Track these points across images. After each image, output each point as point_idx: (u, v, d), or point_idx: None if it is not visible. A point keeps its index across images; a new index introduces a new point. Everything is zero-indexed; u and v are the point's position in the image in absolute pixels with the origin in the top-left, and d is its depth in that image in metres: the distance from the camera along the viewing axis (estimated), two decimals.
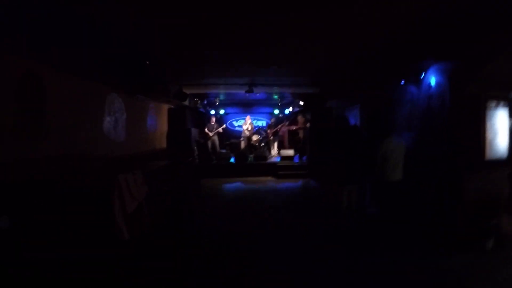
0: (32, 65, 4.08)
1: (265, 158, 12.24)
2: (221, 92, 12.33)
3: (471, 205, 4.57)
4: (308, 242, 4.88)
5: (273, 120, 14.50)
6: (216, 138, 12.99)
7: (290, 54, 6.50)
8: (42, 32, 3.87)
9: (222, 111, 14.45)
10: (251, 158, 12.35)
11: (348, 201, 5.51)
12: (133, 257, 4.11)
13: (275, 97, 12.00)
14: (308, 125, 12.25)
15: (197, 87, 10.34)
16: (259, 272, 3.85)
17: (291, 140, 14.12)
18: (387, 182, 5.01)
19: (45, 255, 3.36)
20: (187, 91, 9.79)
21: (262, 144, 13.41)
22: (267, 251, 4.51)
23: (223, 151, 12.93)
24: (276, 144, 13.96)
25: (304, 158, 12.34)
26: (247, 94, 10.37)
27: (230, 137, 14.76)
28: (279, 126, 13.83)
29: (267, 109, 15.71)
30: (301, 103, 11.78)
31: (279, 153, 13.13)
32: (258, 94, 10.95)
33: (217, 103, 13.30)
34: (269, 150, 13.68)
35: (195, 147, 11.49)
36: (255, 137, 13.51)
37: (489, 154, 4.73)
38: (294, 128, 13.59)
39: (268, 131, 13.95)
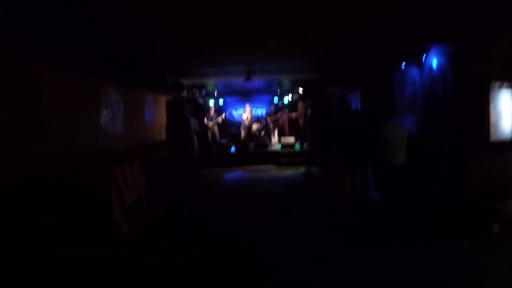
0: (27, 62, 3.97)
1: (266, 146, 12.17)
2: (220, 81, 12.21)
3: (476, 188, 4.51)
4: (309, 242, 4.58)
5: (272, 108, 14.37)
6: (216, 128, 12.91)
7: (288, 39, 6.36)
8: (38, 29, 3.78)
9: (221, 101, 14.31)
10: (252, 146, 12.28)
11: (352, 186, 5.45)
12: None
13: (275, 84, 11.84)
14: (308, 111, 12.13)
15: (195, 77, 10.22)
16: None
17: (292, 128, 14.02)
18: (390, 165, 4.95)
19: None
20: (185, 82, 9.67)
21: (262, 133, 13.31)
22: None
23: (223, 141, 12.85)
24: (276, 132, 13.87)
25: (305, 145, 12.26)
26: (245, 83, 10.24)
27: (230, 126, 14.66)
28: (279, 113, 13.71)
29: (267, 97, 15.55)
30: (301, 90, 11.64)
31: (279, 140, 13.06)
32: (256, 82, 10.82)
33: (216, 93, 13.16)
34: (270, 138, 13.59)
35: (195, 138, 11.42)
36: (255, 126, 13.40)
37: (494, 136, 4.64)
38: (294, 115, 13.47)
39: (268, 119, 13.84)
